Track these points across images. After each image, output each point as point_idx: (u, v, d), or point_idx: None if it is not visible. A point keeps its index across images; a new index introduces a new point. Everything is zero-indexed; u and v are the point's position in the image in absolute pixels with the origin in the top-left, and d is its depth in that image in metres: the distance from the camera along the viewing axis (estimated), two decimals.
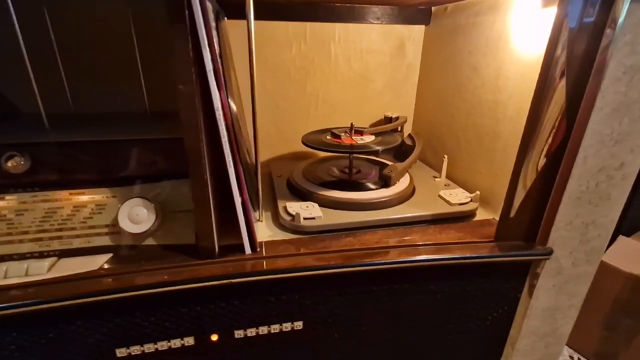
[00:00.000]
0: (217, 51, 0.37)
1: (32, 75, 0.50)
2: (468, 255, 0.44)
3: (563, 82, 0.37)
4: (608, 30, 0.35)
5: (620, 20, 0.34)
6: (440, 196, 0.55)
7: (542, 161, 0.41)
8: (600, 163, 0.40)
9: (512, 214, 0.44)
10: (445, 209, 0.52)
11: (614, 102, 0.37)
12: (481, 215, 0.53)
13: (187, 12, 0.32)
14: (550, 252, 0.45)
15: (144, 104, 0.58)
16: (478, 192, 0.53)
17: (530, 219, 0.45)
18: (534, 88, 0.39)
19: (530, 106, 0.39)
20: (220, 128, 0.36)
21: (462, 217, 0.52)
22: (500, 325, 0.51)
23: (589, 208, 0.43)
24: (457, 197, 0.54)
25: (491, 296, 0.48)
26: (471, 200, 0.53)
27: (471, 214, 0.53)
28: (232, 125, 0.38)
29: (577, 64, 0.36)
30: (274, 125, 0.71)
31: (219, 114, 0.36)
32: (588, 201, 0.42)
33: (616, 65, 0.36)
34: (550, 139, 0.40)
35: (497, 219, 0.52)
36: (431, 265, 0.44)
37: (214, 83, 0.34)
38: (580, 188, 0.42)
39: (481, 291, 0.48)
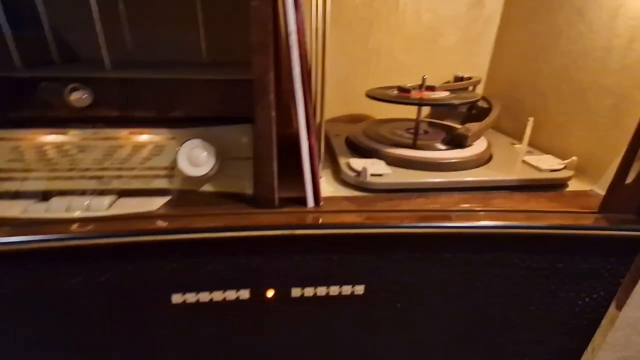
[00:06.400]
0: None
1: (96, 19, 0.48)
2: (569, 224, 0.37)
3: None
4: None
5: None
6: (525, 162, 0.48)
7: None
8: None
9: (629, 180, 0.37)
10: (533, 175, 0.44)
11: None
12: (575, 185, 0.46)
13: None
14: None
15: (200, 53, 0.56)
16: (575, 158, 0.45)
17: None
18: None
19: None
20: (293, 56, 0.32)
21: (552, 186, 0.45)
22: (592, 312, 0.44)
23: None
24: (548, 162, 0.46)
25: (586, 278, 0.41)
26: (565, 167, 0.45)
27: (563, 184, 0.45)
28: (305, 57, 0.34)
29: None
30: (329, 82, 0.65)
31: (293, 38, 0.31)
32: None
33: None
34: None
35: (597, 190, 0.44)
36: (520, 233, 0.38)
37: (292, 0, 0.30)
38: None
39: (575, 270, 0.41)
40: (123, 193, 0.41)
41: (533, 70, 0.55)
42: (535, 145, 0.54)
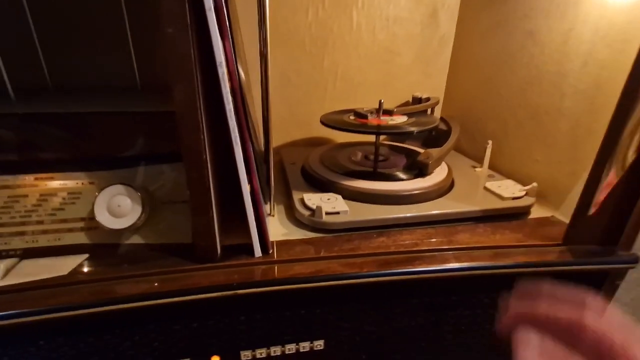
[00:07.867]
0: None
1: None
2: (535, 261, 0.35)
3: None
4: None
5: None
6: (487, 189, 0.46)
7: None
8: None
9: (591, 211, 0.35)
10: (496, 204, 0.42)
11: None
12: (537, 212, 0.44)
13: None
14: (636, 260, 0.36)
15: (134, 76, 0.49)
16: (535, 184, 0.43)
17: (611, 219, 0.36)
18: (626, 48, 0.29)
19: (632, 69, 0.30)
20: (224, 91, 0.27)
21: (514, 215, 0.43)
22: None
23: None
24: (509, 189, 0.44)
25: None
26: (526, 194, 0.44)
27: (526, 211, 0.43)
28: (240, 90, 0.29)
29: None
30: (285, 104, 0.61)
31: (222, 71, 0.27)
32: None
33: None
34: None
35: (558, 216, 0.43)
36: (488, 274, 0.35)
37: (216, 28, 0.25)
38: None
39: None
40: (27, 253, 0.34)
41: (491, 91, 0.54)
42: (496, 169, 0.53)
